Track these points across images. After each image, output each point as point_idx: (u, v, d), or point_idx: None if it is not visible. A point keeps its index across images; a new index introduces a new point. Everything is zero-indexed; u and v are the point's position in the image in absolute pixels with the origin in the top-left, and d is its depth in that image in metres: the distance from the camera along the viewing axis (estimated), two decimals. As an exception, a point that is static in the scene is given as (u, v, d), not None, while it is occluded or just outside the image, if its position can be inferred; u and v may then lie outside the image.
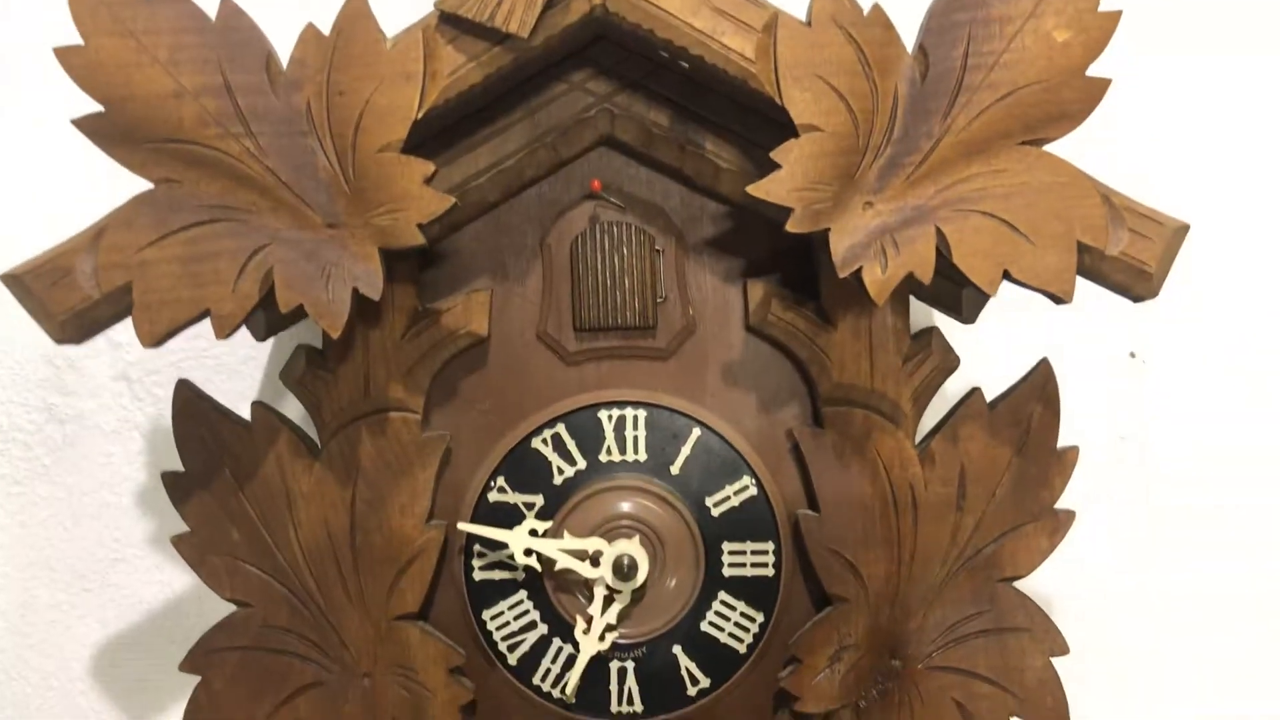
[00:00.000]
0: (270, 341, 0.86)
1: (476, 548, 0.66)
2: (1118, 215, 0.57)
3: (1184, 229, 0.58)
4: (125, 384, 0.86)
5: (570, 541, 0.65)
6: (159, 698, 0.86)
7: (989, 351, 0.78)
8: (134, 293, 0.55)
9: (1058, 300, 0.57)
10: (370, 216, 0.56)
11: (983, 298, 0.64)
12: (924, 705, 0.65)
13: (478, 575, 0.66)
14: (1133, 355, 0.89)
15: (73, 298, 0.55)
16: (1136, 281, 0.57)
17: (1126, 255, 0.57)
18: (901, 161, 0.57)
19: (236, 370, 0.86)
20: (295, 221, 0.57)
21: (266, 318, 0.65)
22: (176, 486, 0.65)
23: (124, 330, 0.85)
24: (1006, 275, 0.57)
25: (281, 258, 0.56)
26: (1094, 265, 0.57)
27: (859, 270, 0.57)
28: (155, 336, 0.56)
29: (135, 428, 0.86)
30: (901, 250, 0.57)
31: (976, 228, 0.57)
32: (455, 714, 0.64)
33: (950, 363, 0.65)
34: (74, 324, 0.56)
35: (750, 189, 0.57)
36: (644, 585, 0.65)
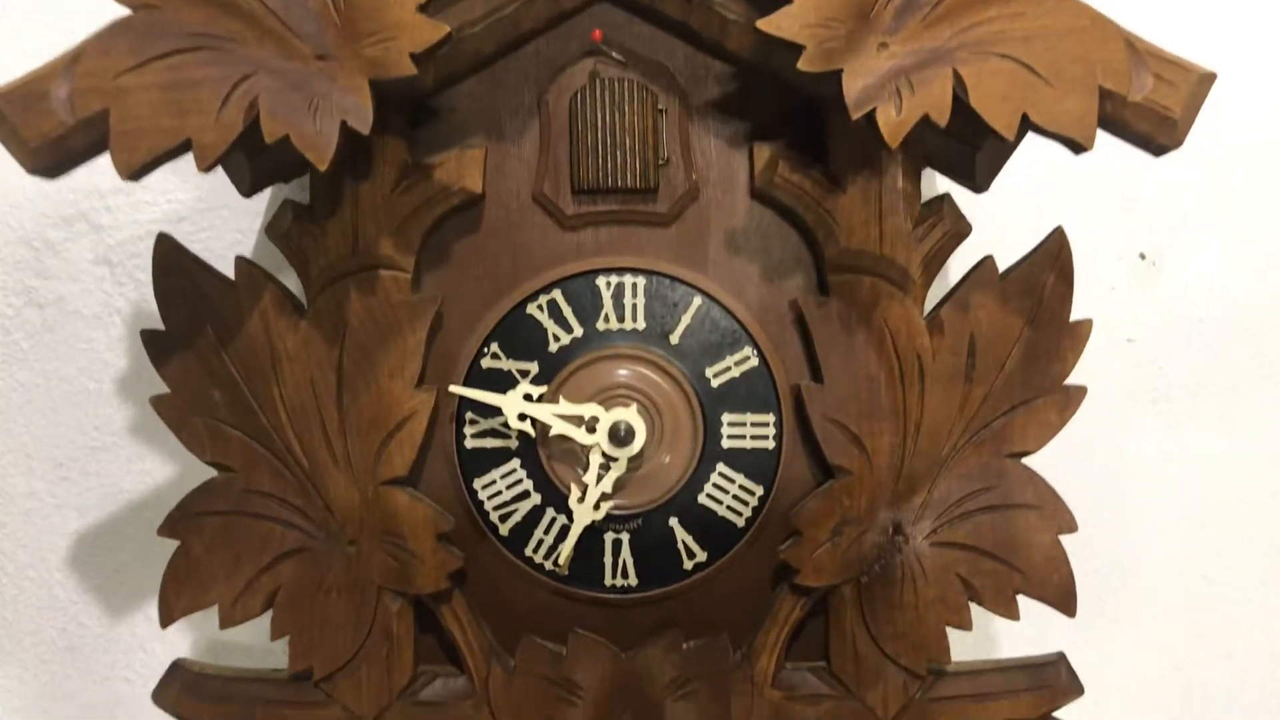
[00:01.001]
0: (257, 231, 0.84)
1: (468, 415, 0.64)
2: (1141, 60, 0.55)
3: (1210, 77, 0.55)
4: (107, 268, 0.83)
5: (566, 407, 0.62)
6: (138, 588, 0.84)
7: (999, 242, 0.76)
8: (111, 120, 0.53)
9: (1078, 149, 0.55)
10: (361, 47, 0.54)
11: (1000, 152, 0.61)
12: (928, 581, 0.63)
13: (469, 443, 0.64)
14: (1143, 257, 0.87)
15: (47, 123, 0.53)
16: (1160, 129, 0.55)
17: (1150, 101, 0.55)
18: (918, 2, 0.55)
19: (222, 255, 0.83)
20: (282, 51, 0.54)
21: (251, 168, 0.62)
22: (156, 345, 0.62)
23: (106, 213, 0.85)
24: (1025, 121, 0.55)
25: (267, 87, 0.53)
26: (1116, 113, 0.55)
27: (872, 113, 0.54)
28: (132, 167, 0.53)
29: (116, 313, 0.84)
30: (917, 91, 0.54)
31: (995, 70, 0.54)
32: (444, 581, 0.62)
33: (962, 229, 0.63)
34: (48, 152, 0.53)
35: (760, 24, 0.54)
36: (640, 455, 0.63)
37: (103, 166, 0.82)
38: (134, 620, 0.84)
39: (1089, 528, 0.85)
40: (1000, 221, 0.75)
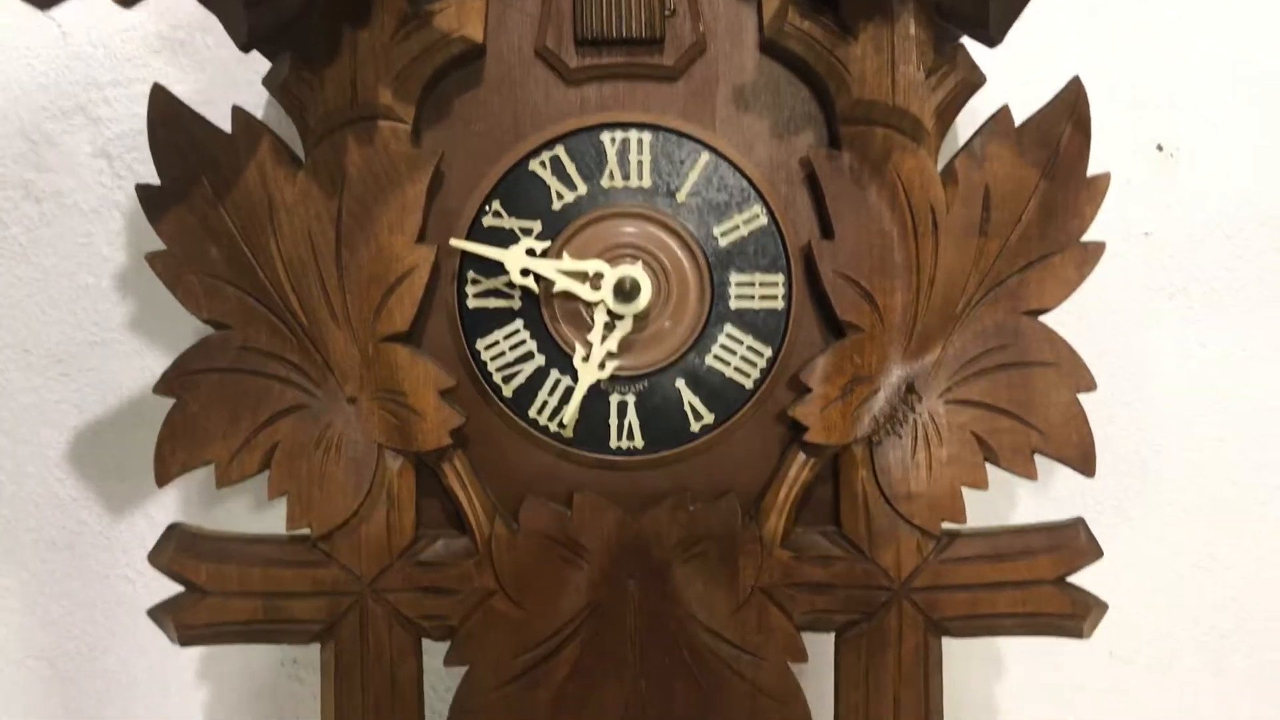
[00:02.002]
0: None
1: (470, 274, 0.62)
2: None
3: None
4: (105, 161, 0.82)
5: (569, 263, 0.61)
6: (139, 486, 0.83)
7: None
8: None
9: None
10: None
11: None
12: (942, 440, 0.61)
13: (471, 303, 0.62)
14: (1160, 149, 0.85)
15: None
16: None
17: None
18: None
19: (222, 148, 0.82)
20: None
21: (249, 14, 0.61)
22: (152, 201, 0.61)
23: (104, 105, 0.83)
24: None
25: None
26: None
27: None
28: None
29: (115, 207, 0.82)
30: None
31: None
32: (445, 438, 0.60)
33: (975, 79, 0.61)
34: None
35: None
36: (646, 315, 0.62)
37: (100, 58, 0.82)
38: (134, 518, 0.83)
39: (1107, 427, 0.84)
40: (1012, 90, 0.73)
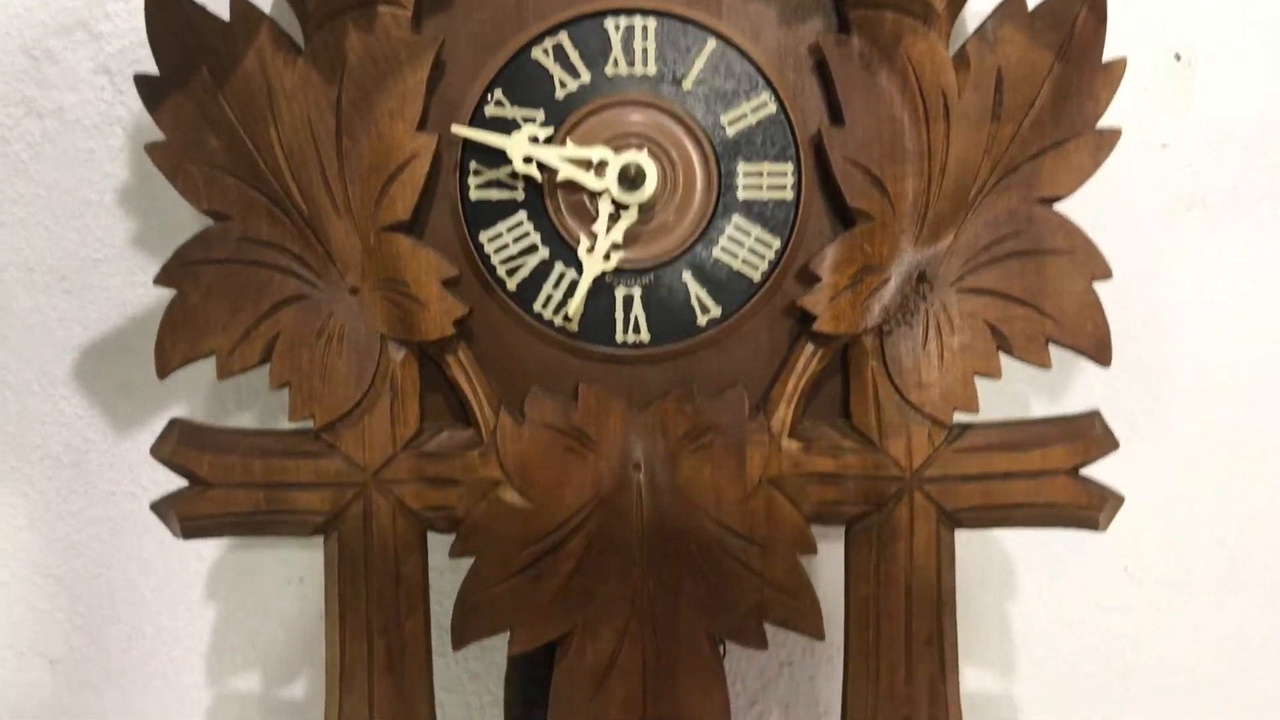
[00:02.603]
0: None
1: (473, 165, 0.61)
2: None
3: None
4: (107, 77, 0.81)
5: (573, 150, 0.60)
6: (143, 403, 0.82)
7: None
8: None
9: None
10: None
11: None
12: (954, 329, 0.60)
13: (474, 194, 0.61)
14: (1178, 58, 0.83)
15: None
16: None
17: None
18: None
19: (223, 62, 0.81)
20: None
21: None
22: (150, 91, 0.60)
23: (105, 20, 0.82)
24: None
25: None
26: None
27: None
28: None
29: (117, 122, 0.81)
30: None
31: None
32: (449, 328, 0.59)
33: (988, -42, 0.60)
34: None
35: None
36: (652, 205, 0.61)
37: (102, -27, 0.82)
38: (139, 436, 0.82)
39: (1121, 341, 0.82)
40: None
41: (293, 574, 0.83)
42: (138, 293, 0.82)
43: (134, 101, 0.81)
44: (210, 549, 0.83)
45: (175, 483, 0.82)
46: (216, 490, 0.60)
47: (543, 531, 0.60)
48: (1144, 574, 0.84)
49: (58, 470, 0.82)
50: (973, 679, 0.84)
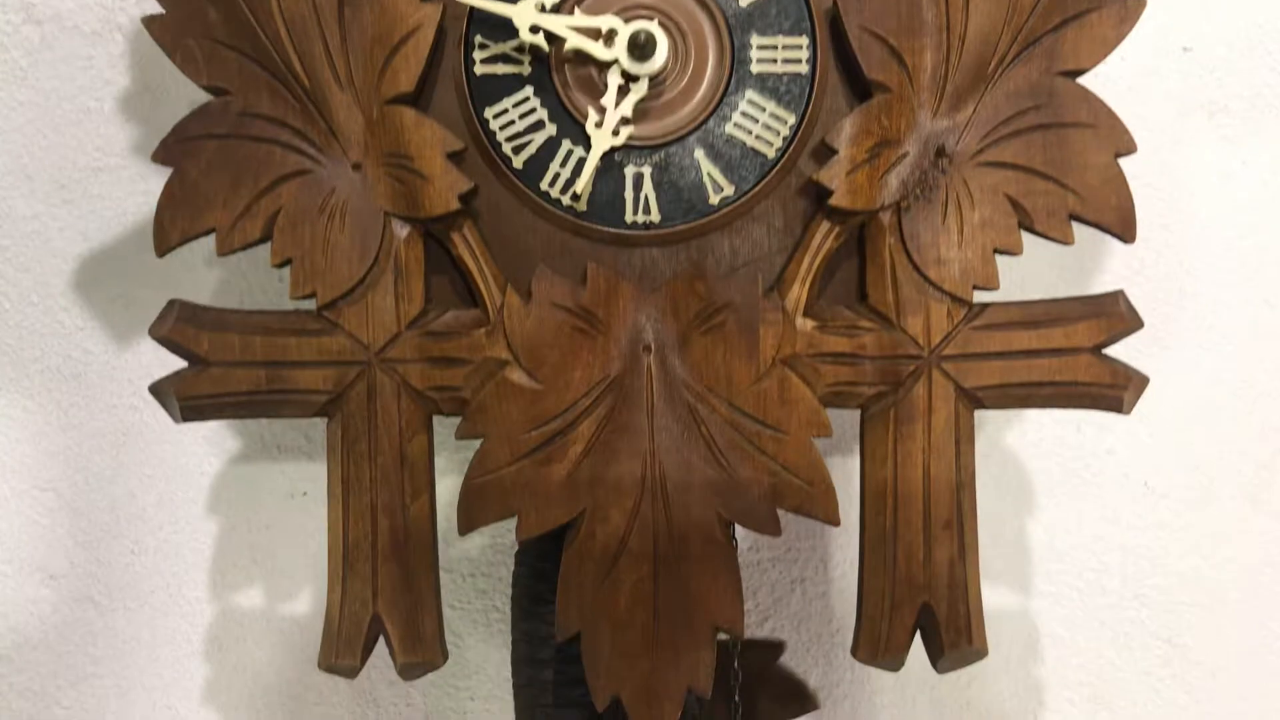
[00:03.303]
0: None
1: (478, 39, 0.60)
2: None
3: None
4: (106, -18, 0.80)
5: (581, 19, 0.58)
6: (144, 314, 0.79)
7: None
8: None
9: None
10: None
11: None
12: (974, 204, 0.58)
13: (479, 69, 0.60)
14: (1197, -37, 0.81)
15: None
16: None
17: None
18: None
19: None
20: None
21: None
22: (148, -37, 0.59)
23: (104, -76, 0.81)
24: None
25: None
26: None
27: None
28: None
29: (118, 29, 0.80)
30: None
31: None
32: (454, 202, 0.58)
33: None
34: None
35: None
36: (662, 78, 0.59)
37: (99, -126, 0.80)
38: (140, 347, 0.81)
39: (1141, 250, 0.81)
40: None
41: (295, 487, 0.81)
42: (138, 202, 0.81)
43: (134, 7, 0.80)
44: (213, 462, 0.81)
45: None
46: (216, 369, 0.58)
47: (551, 413, 0.59)
48: (1165, 489, 0.82)
49: (58, 383, 0.81)
50: (989, 596, 0.81)
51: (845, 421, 0.65)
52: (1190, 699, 0.82)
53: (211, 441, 0.81)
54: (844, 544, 0.82)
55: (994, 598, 0.85)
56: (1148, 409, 0.82)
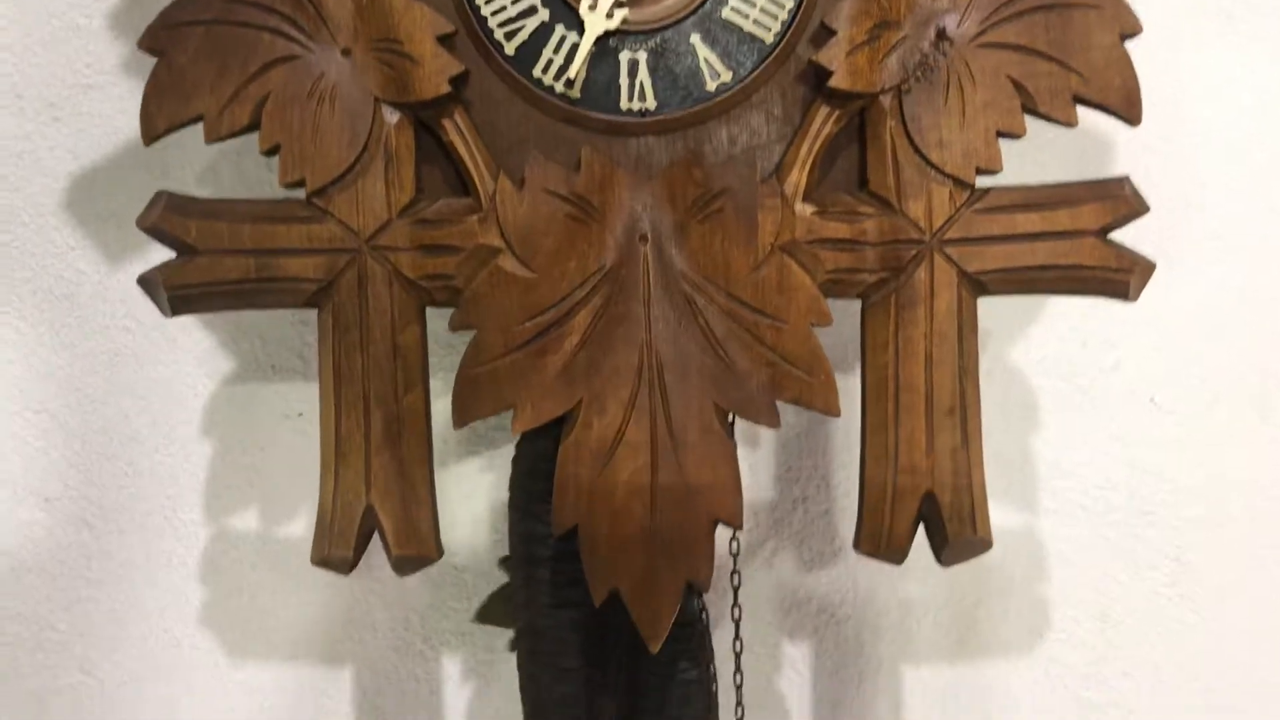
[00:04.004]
0: None
1: (469, -79, 0.59)
2: None
3: None
4: (94, -107, 0.79)
5: (574, -101, 0.57)
6: (136, 233, 0.77)
7: None
8: None
9: None
10: None
11: None
12: (975, 85, 0.57)
13: (469, -47, 0.59)
14: None
15: None
16: None
17: None
18: None
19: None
20: None
21: None
22: None
23: None
24: None
25: None
26: None
27: None
28: None
29: (106, -57, 0.79)
30: None
31: None
32: (444, 85, 0.57)
33: None
34: None
35: None
36: (658, -39, 0.58)
37: None
38: (132, 267, 0.79)
39: (1146, 159, 0.80)
40: None
41: (290, 408, 0.80)
42: (129, 120, 0.79)
43: (123, -79, 0.79)
44: (206, 384, 0.80)
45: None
46: (204, 257, 0.57)
47: (546, 303, 0.57)
48: (1171, 404, 0.81)
49: (49, 303, 0.80)
50: (994, 516, 0.81)
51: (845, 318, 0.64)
52: (1198, 617, 0.81)
53: (205, 363, 0.80)
54: (846, 462, 0.81)
55: (999, 517, 0.82)
56: (1153, 322, 0.81)
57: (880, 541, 0.58)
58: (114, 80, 0.79)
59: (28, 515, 0.81)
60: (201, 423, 0.81)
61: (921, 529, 0.60)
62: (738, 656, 0.69)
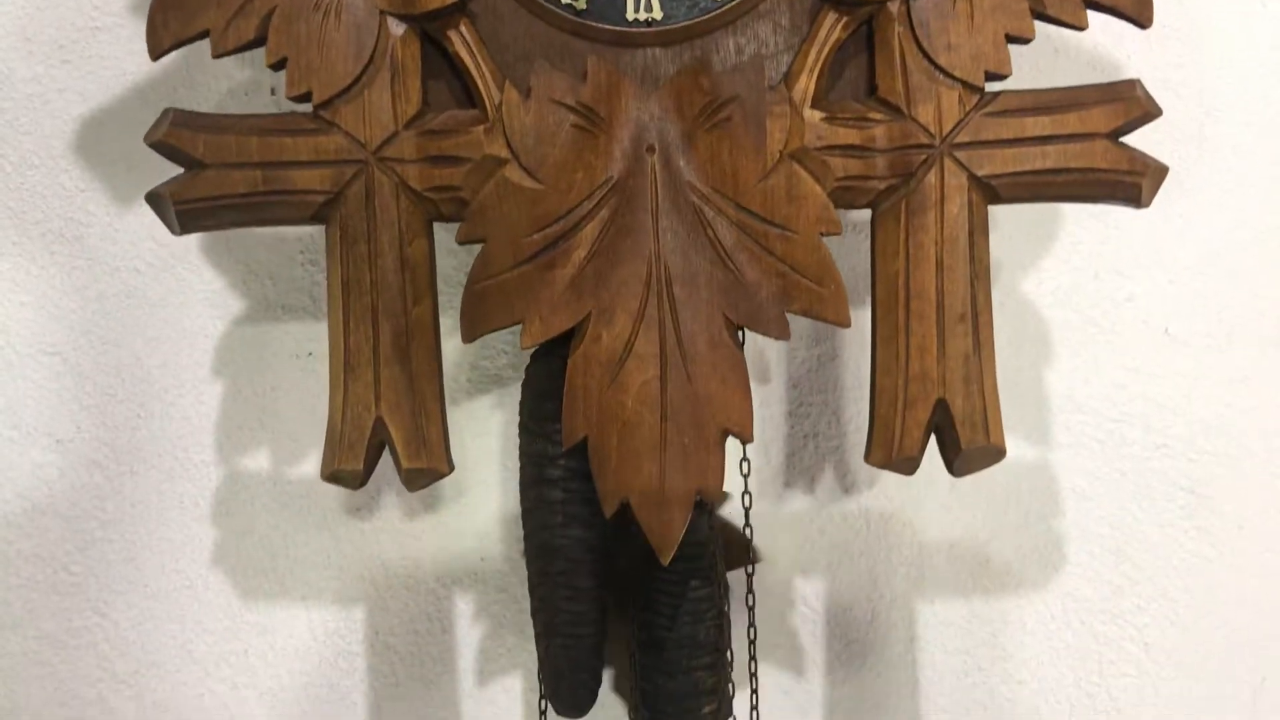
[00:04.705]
0: None
1: None
2: None
3: None
4: None
5: None
6: (145, 175, 0.78)
7: None
8: None
9: None
10: None
11: None
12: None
13: None
14: None
15: None
16: None
17: None
18: None
19: None
20: None
21: None
22: None
23: None
24: None
25: None
26: None
27: None
28: None
29: (114, -117, 0.79)
30: None
31: None
32: (447, -2, 0.57)
33: None
34: None
35: None
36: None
37: None
38: (142, 209, 0.78)
39: (1160, 91, 0.78)
40: None
41: (301, 348, 0.80)
42: (138, 62, 0.80)
43: None
44: (217, 325, 0.80)
45: (178, 251, 0.81)
46: (212, 171, 0.57)
47: (554, 215, 0.57)
48: (1186, 336, 0.80)
49: (60, 245, 0.80)
50: (1007, 446, 0.82)
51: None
52: (1215, 551, 0.81)
53: (215, 304, 0.80)
54: (857, 397, 0.80)
55: (1012, 450, 0.81)
56: (1167, 254, 0.81)
57: (892, 450, 0.58)
58: (122, 22, 0.79)
59: (41, 457, 0.81)
60: (212, 364, 0.81)
61: (934, 447, 0.60)
62: (750, 577, 0.69)
